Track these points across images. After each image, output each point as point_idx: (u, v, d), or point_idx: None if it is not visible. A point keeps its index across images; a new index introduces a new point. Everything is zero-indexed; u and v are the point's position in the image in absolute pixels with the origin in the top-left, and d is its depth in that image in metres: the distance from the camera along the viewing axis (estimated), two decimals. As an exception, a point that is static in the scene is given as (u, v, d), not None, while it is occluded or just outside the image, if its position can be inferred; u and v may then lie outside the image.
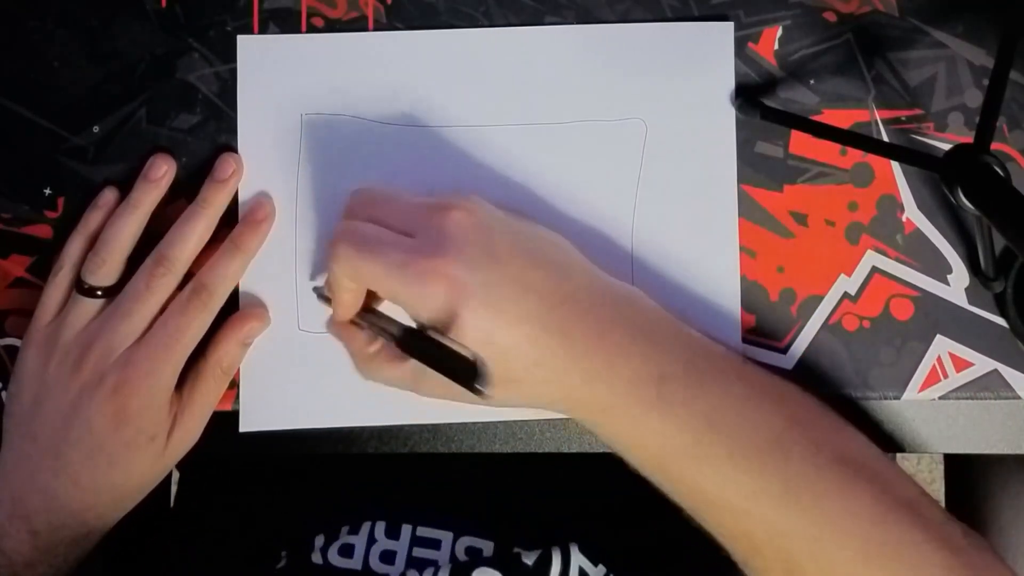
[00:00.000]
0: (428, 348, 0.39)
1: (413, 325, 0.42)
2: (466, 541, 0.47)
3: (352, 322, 0.45)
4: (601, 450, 0.50)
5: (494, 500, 0.50)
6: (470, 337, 0.39)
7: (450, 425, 0.50)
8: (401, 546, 0.46)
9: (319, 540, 0.46)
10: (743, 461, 0.40)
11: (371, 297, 0.45)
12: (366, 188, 0.45)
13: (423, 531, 0.47)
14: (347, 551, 0.46)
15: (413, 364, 0.42)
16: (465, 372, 0.37)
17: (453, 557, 0.46)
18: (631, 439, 0.42)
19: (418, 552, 0.47)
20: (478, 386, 0.37)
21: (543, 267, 0.42)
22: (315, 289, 0.48)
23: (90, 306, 0.46)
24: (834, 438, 0.42)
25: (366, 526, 0.47)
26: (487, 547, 0.46)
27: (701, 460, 0.40)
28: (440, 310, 0.40)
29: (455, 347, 0.39)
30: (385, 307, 0.46)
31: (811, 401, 0.43)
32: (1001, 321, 0.49)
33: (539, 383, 0.41)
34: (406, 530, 0.47)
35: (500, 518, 0.48)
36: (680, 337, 0.43)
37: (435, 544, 0.47)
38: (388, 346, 0.43)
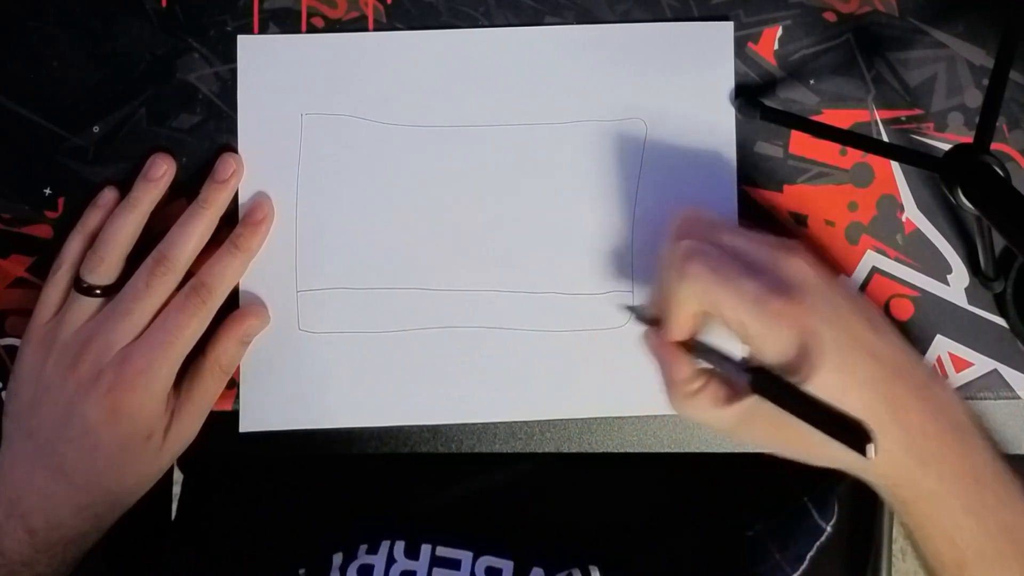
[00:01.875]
0: (793, 399, 0.37)
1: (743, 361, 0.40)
2: (486, 561, 0.46)
3: (682, 344, 0.43)
4: (601, 450, 0.50)
5: (512, 515, 0.50)
6: (820, 393, 0.38)
7: (450, 426, 0.50)
8: (421, 566, 0.46)
9: (337, 559, 0.46)
10: None
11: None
12: (696, 210, 0.44)
13: (442, 551, 0.46)
14: (367, 571, 0.45)
15: (744, 408, 0.40)
16: (850, 432, 0.35)
17: None
18: (941, 532, 0.41)
19: (438, 573, 0.46)
20: (869, 450, 0.34)
21: (877, 332, 0.40)
22: (633, 308, 0.46)
23: (89, 305, 0.46)
24: None
25: (385, 545, 0.46)
26: (507, 567, 0.46)
27: (1000, 571, 0.40)
28: (787, 355, 0.38)
29: (835, 406, 0.36)
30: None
31: None
32: (1001, 321, 0.49)
33: None
34: (425, 550, 0.46)
35: (519, 534, 0.48)
36: (985, 437, 0.41)
37: (455, 564, 0.46)
38: (715, 384, 0.42)
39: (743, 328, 0.39)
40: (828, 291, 0.40)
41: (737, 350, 0.41)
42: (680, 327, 0.42)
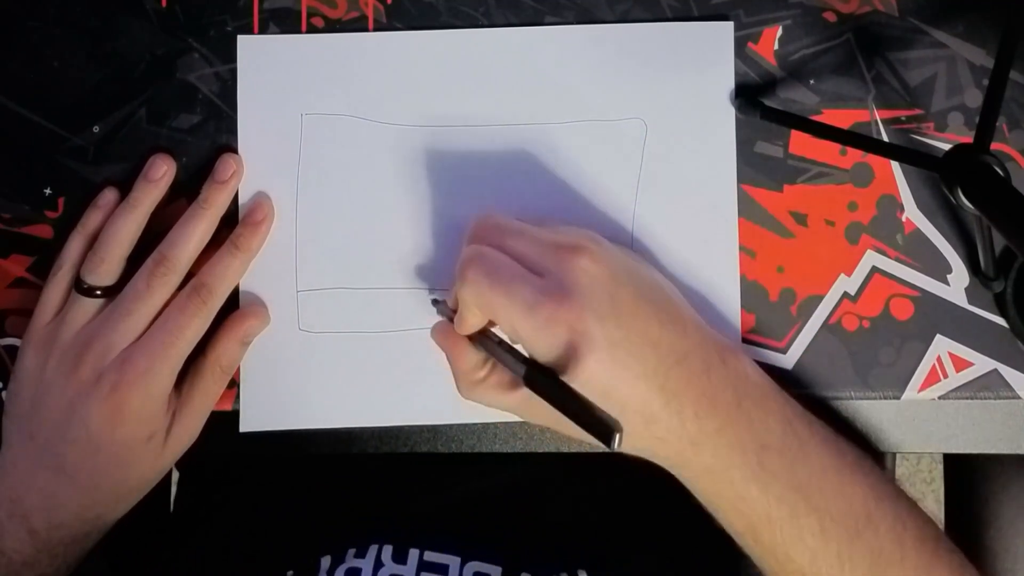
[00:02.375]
0: (559, 393, 0.39)
1: (527, 356, 0.42)
2: (474, 566, 0.46)
3: (468, 338, 0.44)
4: (600, 448, 0.50)
5: (501, 520, 0.50)
6: (589, 388, 0.39)
7: (450, 426, 0.50)
8: (408, 571, 0.46)
9: (325, 562, 0.46)
10: (835, 534, 0.41)
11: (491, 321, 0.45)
12: (492, 215, 0.45)
13: (430, 556, 0.46)
14: (354, 575, 0.46)
15: (524, 395, 0.42)
16: (599, 426, 0.37)
17: None
18: (728, 504, 0.42)
19: None
20: (613, 444, 0.36)
21: (663, 323, 0.42)
22: (435, 301, 0.47)
23: (89, 306, 0.46)
24: (914, 516, 0.43)
25: (373, 549, 0.46)
26: (495, 572, 0.46)
27: (794, 531, 0.41)
28: (559, 355, 0.40)
29: (592, 401, 0.38)
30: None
31: (887, 475, 0.44)
32: (1001, 321, 0.49)
33: (648, 438, 0.42)
34: (413, 554, 0.46)
35: (507, 540, 0.48)
36: (778, 401, 0.43)
37: (443, 569, 0.46)
38: (500, 372, 0.44)
39: (517, 333, 0.41)
40: (610, 289, 0.41)
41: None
42: (466, 325, 0.44)
